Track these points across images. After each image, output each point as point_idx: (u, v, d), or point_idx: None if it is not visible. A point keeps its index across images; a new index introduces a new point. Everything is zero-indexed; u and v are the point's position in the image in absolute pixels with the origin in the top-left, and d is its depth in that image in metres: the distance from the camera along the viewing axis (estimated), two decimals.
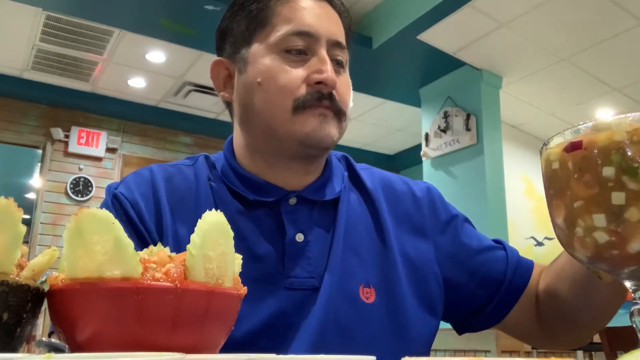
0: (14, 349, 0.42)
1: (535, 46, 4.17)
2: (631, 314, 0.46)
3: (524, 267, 0.89)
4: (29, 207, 5.40)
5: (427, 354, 0.86)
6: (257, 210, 0.83)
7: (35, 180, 6.10)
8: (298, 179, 0.86)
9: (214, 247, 0.44)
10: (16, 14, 4.12)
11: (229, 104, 0.91)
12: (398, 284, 0.83)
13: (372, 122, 5.77)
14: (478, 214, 4.06)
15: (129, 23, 4.13)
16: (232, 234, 0.46)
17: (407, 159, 6.52)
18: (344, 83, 0.84)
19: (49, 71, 5.00)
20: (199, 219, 0.44)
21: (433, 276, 0.88)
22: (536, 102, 5.05)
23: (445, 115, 4.58)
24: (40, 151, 5.44)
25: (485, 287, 0.88)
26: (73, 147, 5.39)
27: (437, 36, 4.06)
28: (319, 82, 0.80)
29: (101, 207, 0.82)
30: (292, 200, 0.84)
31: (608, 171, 0.43)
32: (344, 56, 0.86)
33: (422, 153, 4.78)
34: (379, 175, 0.96)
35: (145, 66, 4.90)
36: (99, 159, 5.53)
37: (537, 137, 5.58)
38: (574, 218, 0.45)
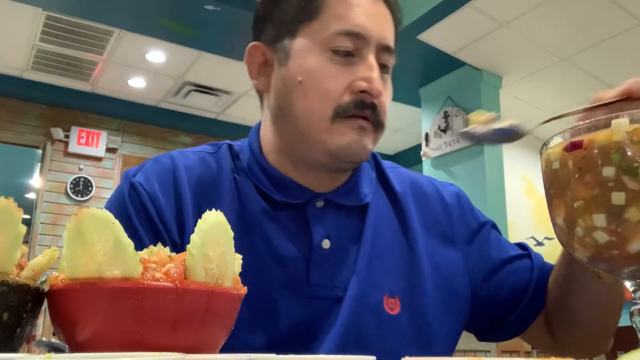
0: (14, 349, 0.42)
1: (535, 46, 4.17)
2: (631, 314, 0.46)
3: (548, 274, 0.86)
4: (29, 207, 5.40)
5: None
6: (283, 211, 0.79)
7: (35, 180, 6.10)
8: (326, 182, 0.82)
9: (214, 247, 0.44)
10: (16, 14, 4.12)
11: (259, 92, 0.86)
12: (424, 293, 0.81)
13: None
14: None
15: (129, 23, 4.13)
16: (232, 234, 0.46)
17: (407, 159, 6.52)
18: (387, 92, 0.81)
19: (49, 71, 5.00)
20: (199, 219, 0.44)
21: (462, 286, 0.85)
22: (536, 102, 5.04)
23: (445, 115, 4.58)
24: (40, 151, 5.45)
25: (512, 298, 0.86)
26: (73, 147, 5.39)
27: (437, 36, 4.06)
28: (363, 91, 0.76)
29: (116, 193, 0.79)
30: (320, 203, 0.80)
31: (608, 171, 0.43)
32: (391, 61, 0.82)
33: (422, 153, 4.77)
34: (408, 177, 0.93)
35: (145, 66, 4.90)
36: (99, 159, 5.53)
37: (537, 137, 5.54)
38: (574, 218, 0.45)
